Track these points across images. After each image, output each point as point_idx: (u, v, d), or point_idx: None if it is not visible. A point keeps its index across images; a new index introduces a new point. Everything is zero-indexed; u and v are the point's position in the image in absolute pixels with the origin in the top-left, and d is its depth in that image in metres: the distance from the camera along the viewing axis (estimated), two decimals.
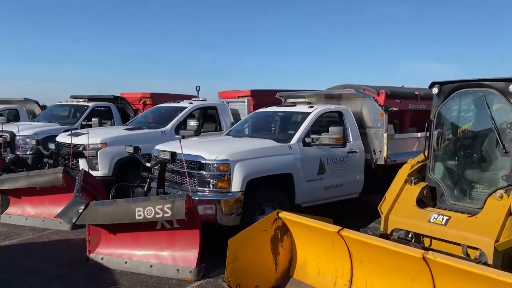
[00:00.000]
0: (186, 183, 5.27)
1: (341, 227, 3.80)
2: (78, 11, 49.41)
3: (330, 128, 5.93)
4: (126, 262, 4.92)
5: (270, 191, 5.66)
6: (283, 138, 6.10)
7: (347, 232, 3.73)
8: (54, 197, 6.83)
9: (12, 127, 10.03)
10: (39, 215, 6.91)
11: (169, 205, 4.49)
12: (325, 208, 6.24)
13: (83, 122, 10.83)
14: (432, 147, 4.62)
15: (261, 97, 9.92)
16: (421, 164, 4.80)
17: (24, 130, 9.68)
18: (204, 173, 5.32)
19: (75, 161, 7.52)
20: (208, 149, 5.51)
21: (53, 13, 47.66)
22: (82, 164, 7.39)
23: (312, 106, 6.65)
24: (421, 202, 4.51)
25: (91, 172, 7.01)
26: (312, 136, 6.12)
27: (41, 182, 6.63)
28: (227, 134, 7.16)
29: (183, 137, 7.98)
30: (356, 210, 7.70)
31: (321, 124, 6.60)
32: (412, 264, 3.27)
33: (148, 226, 4.81)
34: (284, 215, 4.34)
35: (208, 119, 9.17)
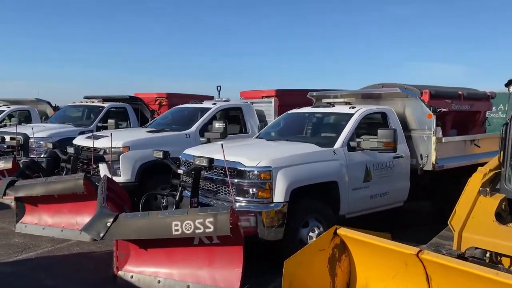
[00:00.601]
0: (229, 193, 4.75)
1: (420, 249, 3.25)
2: (78, 11, 49.21)
3: (379, 131, 5.38)
4: (159, 282, 4.39)
5: (313, 201, 5.13)
6: (325, 142, 5.55)
7: (429, 255, 3.18)
8: (74, 205, 6.34)
9: (26, 129, 9.58)
10: (57, 225, 6.42)
11: (211, 219, 3.96)
12: (364, 218, 5.71)
13: (98, 124, 10.37)
14: (509, 153, 4.04)
15: (287, 97, 9.39)
16: (494, 172, 4.23)
17: (38, 132, 9.20)
18: (242, 181, 4.79)
19: (94, 166, 7.02)
20: (247, 154, 4.97)
21: (53, 13, 47.50)
22: (103, 169, 6.89)
23: (354, 107, 6.10)
24: (499, 217, 3.94)
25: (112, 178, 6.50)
26: (357, 139, 5.58)
27: (60, 189, 6.13)
28: (259, 137, 6.61)
29: (209, 140, 7.50)
30: (396, 220, 7.14)
31: (362, 126, 6.07)
32: None
33: (184, 241, 4.28)
34: (343, 231, 3.80)
35: (232, 120, 8.62)
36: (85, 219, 6.48)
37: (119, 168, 6.79)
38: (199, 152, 5.34)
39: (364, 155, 5.59)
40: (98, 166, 6.98)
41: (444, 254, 3.63)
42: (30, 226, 6.52)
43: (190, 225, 4.04)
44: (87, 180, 5.95)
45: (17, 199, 6.56)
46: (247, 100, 9.23)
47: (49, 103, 13.57)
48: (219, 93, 10.11)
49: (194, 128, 7.72)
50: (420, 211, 7.84)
